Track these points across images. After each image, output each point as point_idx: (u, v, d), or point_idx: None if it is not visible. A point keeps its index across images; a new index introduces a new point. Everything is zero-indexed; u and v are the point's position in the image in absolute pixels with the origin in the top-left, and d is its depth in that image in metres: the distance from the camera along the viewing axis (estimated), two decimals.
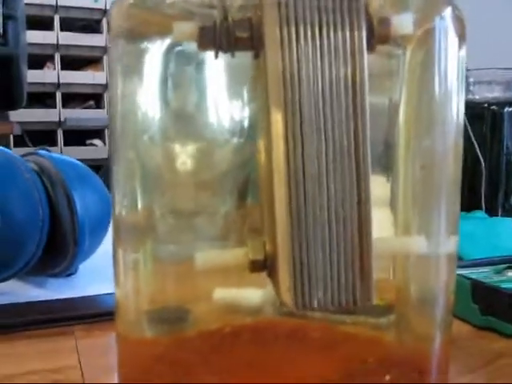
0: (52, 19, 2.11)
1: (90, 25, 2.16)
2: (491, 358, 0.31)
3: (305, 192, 0.22)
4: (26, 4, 1.47)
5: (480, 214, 0.57)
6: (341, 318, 0.27)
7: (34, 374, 0.29)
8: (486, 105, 0.68)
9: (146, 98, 0.22)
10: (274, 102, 0.21)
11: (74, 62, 2.15)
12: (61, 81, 2.10)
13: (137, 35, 0.21)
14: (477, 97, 0.70)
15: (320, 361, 0.26)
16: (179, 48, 0.23)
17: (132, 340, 0.25)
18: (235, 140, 0.24)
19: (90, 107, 2.17)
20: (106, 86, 2.15)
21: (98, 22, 2.17)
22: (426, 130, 0.25)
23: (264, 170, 0.23)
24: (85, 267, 0.45)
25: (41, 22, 2.05)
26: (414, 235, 0.25)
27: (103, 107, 2.16)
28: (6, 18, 1.18)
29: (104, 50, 2.15)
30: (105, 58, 2.16)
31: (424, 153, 0.24)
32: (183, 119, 0.24)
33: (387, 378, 0.23)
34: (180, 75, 0.23)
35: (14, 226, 0.35)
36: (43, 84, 2.06)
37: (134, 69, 0.21)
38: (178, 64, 0.22)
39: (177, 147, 0.23)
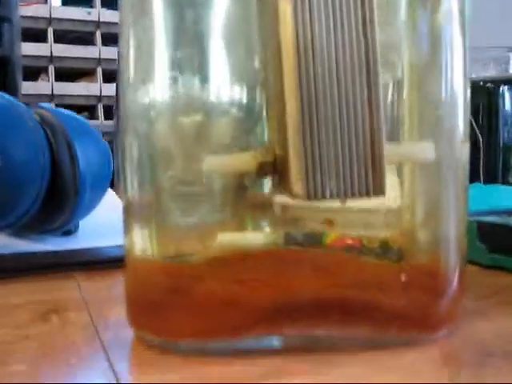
0: (46, 31, 2.12)
1: (84, 37, 2.17)
2: (498, 290, 0.30)
3: (315, 84, 0.21)
4: (20, 17, 1.48)
5: (479, 185, 0.57)
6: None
7: (34, 303, 0.28)
8: (481, 83, 0.68)
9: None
10: None
11: (68, 73, 2.16)
12: (55, 92, 2.11)
13: None
14: (472, 75, 0.71)
15: (332, 274, 0.25)
16: None
17: (141, 262, 0.24)
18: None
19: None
20: (99, 98, 2.16)
21: (92, 33, 2.19)
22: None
23: (273, 71, 0.23)
24: (85, 227, 0.44)
25: (35, 35, 2.06)
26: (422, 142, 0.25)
27: (97, 118, 2.16)
28: (1, 20, 1.18)
29: (98, 61, 2.16)
30: (98, 69, 2.17)
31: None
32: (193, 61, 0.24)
33: (403, 277, 0.23)
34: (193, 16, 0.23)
35: (14, 169, 0.35)
36: (38, 96, 2.06)
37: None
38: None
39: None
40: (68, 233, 0.42)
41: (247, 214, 0.26)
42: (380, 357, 0.20)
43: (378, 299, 0.21)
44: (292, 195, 0.22)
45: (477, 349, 0.21)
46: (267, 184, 0.25)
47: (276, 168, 0.23)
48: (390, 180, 0.24)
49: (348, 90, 0.21)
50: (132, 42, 0.24)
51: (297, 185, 0.22)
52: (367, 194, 0.22)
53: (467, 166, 0.25)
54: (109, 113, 2.15)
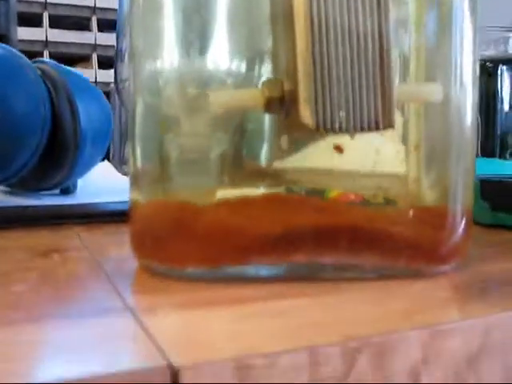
0: (41, 16, 2.11)
1: (80, 22, 2.15)
2: (501, 242, 0.30)
3: (326, 16, 0.21)
4: (16, 0, 1.46)
5: (478, 158, 0.57)
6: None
7: (33, 245, 0.28)
8: (482, 62, 0.68)
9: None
10: None
11: (64, 59, 2.14)
12: None
13: None
14: None
15: (339, 209, 0.24)
16: None
17: (146, 203, 0.24)
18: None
19: None
20: (95, 84, 2.14)
21: (88, 19, 2.17)
22: None
23: (283, 6, 0.23)
24: (84, 188, 0.44)
25: (30, 19, 2.04)
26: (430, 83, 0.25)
27: None
28: None
29: (93, 47, 2.15)
30: (94, 55, 2.16)
31: None
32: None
33: (411, 213, 0.22)
34: None
35: (14, 120, 0.34)
36: None
37: None
38: None
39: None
40: (66, 191, 0.42)
41: (246, 181, 0.25)
42: (387, 285, 0.20)
43: (388, 229, 0.21)
44: (302, 128, 0.22)
45: (485, 280, 0.21)
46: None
47: (283, 103, 0.23)
48: (397, 147, 0.24)
49: (358, 22, 0.21)
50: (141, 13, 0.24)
51: (306, 115, 0.22)
52: (377, 128, 0.22)
53: (476, 108, 0.25)
54: None
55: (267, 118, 0.24)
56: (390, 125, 0.22)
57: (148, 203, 0.24)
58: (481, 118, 0.66)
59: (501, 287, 0.20)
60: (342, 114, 0.21)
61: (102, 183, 0.50)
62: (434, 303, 0.18)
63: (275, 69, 0.24)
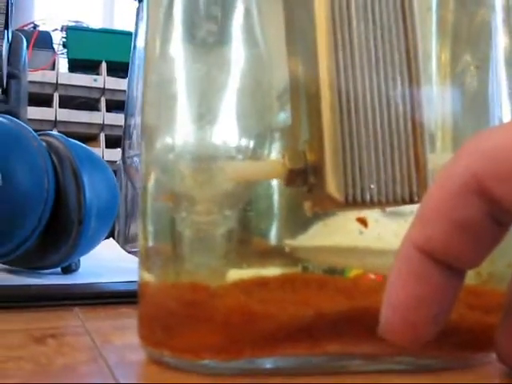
0: (52, 96, 2.15)
1: (89, 102, 2.20)
2: None
3: (353, 79, 0.20)
4: (28, 82, 1.49)
5: None
6: None
7: (28, 330, 0.25)
8: None
9: None
10: None
11: (72, 138, 2.16)
12: None
13: None
14: None
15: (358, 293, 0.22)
16: None
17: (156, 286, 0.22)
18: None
19: None
20: None
21: (97, 100, 2.22)
22: None
23: (305, 75, 0.22)
24: (87, 267, 0.42)
25: (41, 100, 2.09)
26: None
27: None
28: (9, 77, 1.19)
29: (101, 127, 2.18)
30: (101, 135, 2.18)
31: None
32: None
33: None
34: None
35: (15, 192, 0.32)
36: None
37: None
38: None
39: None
40: (68, 270, 0.39)
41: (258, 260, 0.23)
42: (436, 376, 0.17)
43: None
44: (328, 201, 0.20)
45: None
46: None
47: (306, 176, 0.21)
48: None
49: (389, 89, 0.20)
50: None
51: (333, 188, 0.20)
52: (411, 200, 0.20)
53: None
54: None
55: (277, 194, 0.23)
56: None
57: (158, 285, 0.22)
58: None
59: None
60: (373, 186, 0.20)
61: (106, 261, 0.47)
62: None
63: (295, 140, 0.22)
